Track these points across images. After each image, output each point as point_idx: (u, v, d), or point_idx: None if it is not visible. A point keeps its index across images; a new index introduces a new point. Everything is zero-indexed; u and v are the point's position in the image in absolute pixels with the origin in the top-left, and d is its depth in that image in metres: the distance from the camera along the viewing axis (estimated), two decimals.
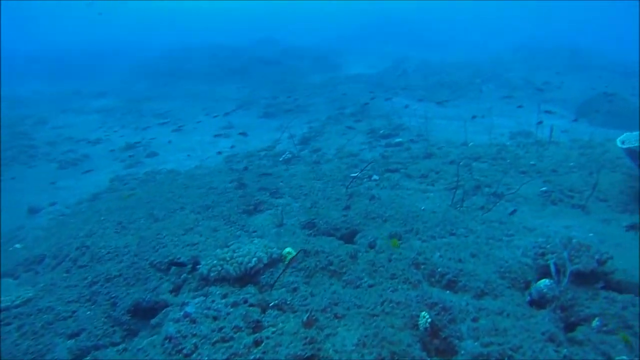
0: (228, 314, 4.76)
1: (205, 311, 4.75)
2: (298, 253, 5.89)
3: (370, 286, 5.40)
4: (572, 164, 10.77)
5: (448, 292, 5.46)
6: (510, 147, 12.84)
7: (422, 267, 5.84)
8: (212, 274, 5.43)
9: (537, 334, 4.51)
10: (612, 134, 14.32)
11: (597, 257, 5.70)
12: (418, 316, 4.61)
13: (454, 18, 75.31)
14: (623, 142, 8.66)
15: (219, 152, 14.80)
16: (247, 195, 8.87)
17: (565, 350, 4.29)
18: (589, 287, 5.43)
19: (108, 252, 6.98)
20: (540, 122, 13.12)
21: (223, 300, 5.01)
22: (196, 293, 5.40)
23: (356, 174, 10.15)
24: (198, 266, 5.79)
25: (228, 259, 5.52)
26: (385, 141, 14.51)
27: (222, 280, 5.45)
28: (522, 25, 68.49)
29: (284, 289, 5.32)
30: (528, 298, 5.49)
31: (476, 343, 4.38)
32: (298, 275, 5.69)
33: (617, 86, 23.14)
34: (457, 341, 4.43)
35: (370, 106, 19.82)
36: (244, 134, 15.79)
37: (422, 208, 8.12)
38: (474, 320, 4.74)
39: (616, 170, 10.18)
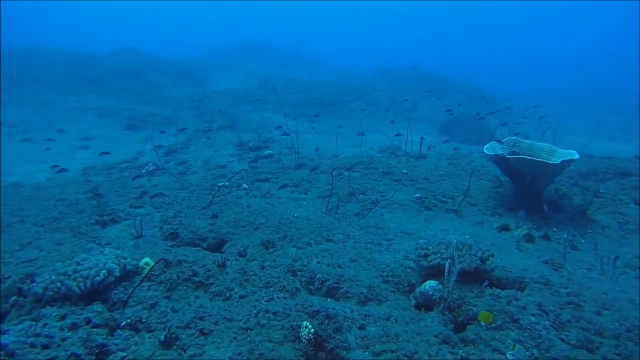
0: (63, 339, 3.79)
1: (31, 339, 3.70)
2: (157, 263, 5.10)
3: (242, 297, 4.77)
4: (442, 172, 11.00)
5: (329, 300, 4.99)
6: (382, 157, 12.91)
7: (299, 274, 5.31)
8: (49, 293, 4.39)
9: (430, 337, 4.20)
10: (473, 149, 15.08)
11: (479, 255, 5.63)
12: (299, 327, 4.04)
13: (320, 40, 77.38)
14: (489, 150, 8.95)
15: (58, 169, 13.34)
16: (102, 205, 7.84)
17: (460, 351, 4.04)
18: (473, 285, 5.33)
19: None
20: (400, 135, 13.32)
21: (58, 323, 4.01)
22: (26, 318, 4.32)
23: (224, 183, 9.49)
24: (32, 284, 4.75)
25: (70, 273, 4.54)
26: (255, 153, 14.04)
27: (62, 299, 4.45)
28: (386, 50, 71.84)
29: (140, 306, 4.50)
30: (413, 302, 5.22)
31: (367, 353, 3.94)
32: (157, 289, 4.90)
33: (473, 108, 24.64)
34: (345, 352, 3.94)
35: (239, 120, 19.29)
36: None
37: (295, 215, 7.65)
38: (361, 327, 4.31)
39: (482, 177, 10.62)
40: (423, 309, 5.02)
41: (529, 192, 8.76)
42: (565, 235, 7.63)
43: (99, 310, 4.27)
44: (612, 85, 50.72)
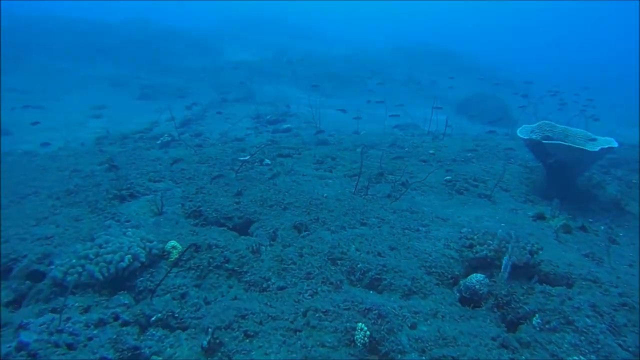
0: (90, 338, 3.35)
1: (54, 337, 3.24)
2: (188, 248, 4.67)
3: (281, 289, 4.35)
4: (469, 154, 10.54)
5: (372, 292, 4.57)
6: (405, 136, 12.48)
7: (340, 263, 4.86)
8: (69, 279, 3.97)
9: (487, 341, 3.79)
10: (496, 130, 14.62)
11: (528, 247, 5.22)
12: (354, 329, 3.59)
13: (333, 13, 76.13)
14: (522, 133, 8.60)
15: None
16: (120, 178, 7.43)
17: (523, 358, 3.65)
18: (522, 280, 4.92)
19: None
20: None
21: (83, 317, 3.56)
22: (45, 306, 3.87)
23: (246, 158, 9.06)
24: (51, 267, 4.33)
25: (92, 257, 4.11)
26: (273, 127, 13.64)
27: (83, 286, 4.02)
28: (399, 24, 70.59)
29: (168, 295, 4.07)
30: (457, 295, 4.83)
31: (424, 357, 3.52)
32: (186, 276, 4.47)
33: (491, 88, 24.02)
34: (399, 356, 3.52)
35: (255, 92, 18.85)
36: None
37: (325, 195, 7.22)
38: (412, 327, 3.89)
39: (511, 161, 10.19)
40: (472, 305, 4.64)
41: (562, 179, 8.40)
42: (603, 227, 7.21)
43: (126, 302, 3.83)
44: (624, 75, 49.44)
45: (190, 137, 12.39)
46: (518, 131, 8.72)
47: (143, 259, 4.38)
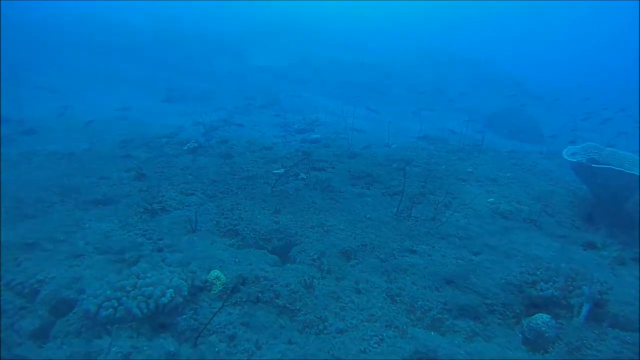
0: None
1: None
2: (236, 285, 4.17)
3: (340, 332, 3.84)
4: (509, 174, 10.02)
5: (433, 333, 4.09)
6: (440, 152, 11.98)
7: (398, 299, 4.39)
8: (103, 313, 3.49)
9: None
10: (528, 148, 14.12)
11: (598, 287, 4.74)
12: None
13: (357, 18, 75.60)
14: (569, 155, 8.17)
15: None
16: (150, 189, 7.00)
17: None
18: (591, 323, 4.47)
19: None
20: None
21: None
22: (76, 341, 3.36)
23: (281, 171, 8.61)
24: (82, 297, 3.86)
25: (129, 288, 3.65)
26: (301, 136, 13.18)
27: (119, 323, 3.53)
28: (424, 31, 69.89)
29: (214, 337, 3.57)
30: (520, 336, 4.36)
31: None
32: (232, 312, 3.97)
33: (520, 102, 23.40)
34: None
35: (281, 99, 18.46)
36: None
37: (368, 216, 6.74)
38: None
39: (552, 183, 9.67)
40: (532, 347, 4.18)
41: (609, 204, 7.93)
42: None
43: (171, 349, 3.31)
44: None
45: (217, 143, 11.99)
46: (564, 152, 8.26)
47: (185, 293, 3.89)
